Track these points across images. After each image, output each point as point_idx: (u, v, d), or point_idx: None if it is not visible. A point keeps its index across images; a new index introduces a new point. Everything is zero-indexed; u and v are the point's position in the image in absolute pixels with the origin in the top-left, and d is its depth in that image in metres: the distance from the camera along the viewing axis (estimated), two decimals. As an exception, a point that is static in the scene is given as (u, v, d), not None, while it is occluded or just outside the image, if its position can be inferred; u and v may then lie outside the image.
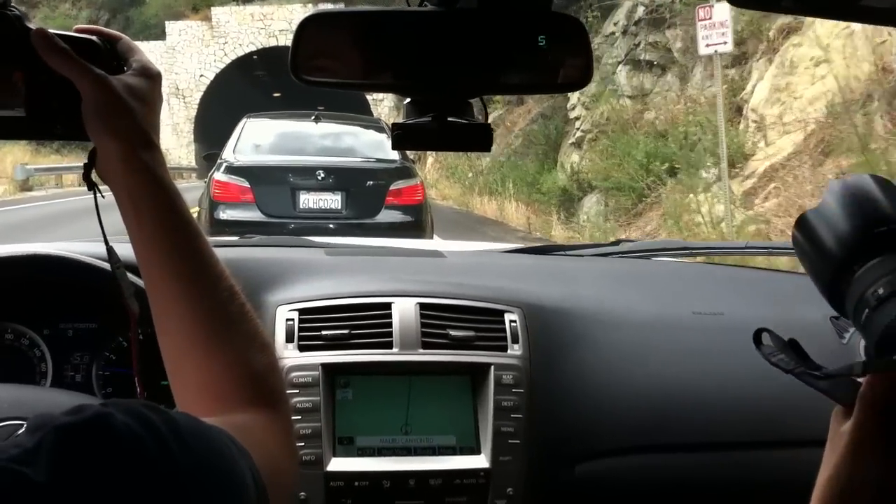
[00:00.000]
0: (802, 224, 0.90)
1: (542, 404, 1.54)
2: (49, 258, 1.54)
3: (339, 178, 8.21)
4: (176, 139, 37.88)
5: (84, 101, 0.90)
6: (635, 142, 13.37)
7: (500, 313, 1.60)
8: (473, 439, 1.50)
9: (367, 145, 8.94)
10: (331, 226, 8.00)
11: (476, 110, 1.07)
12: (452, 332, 1.55)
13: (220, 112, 39.48)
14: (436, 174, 25.54)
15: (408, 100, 1.07)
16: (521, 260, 2.09)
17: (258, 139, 8.82)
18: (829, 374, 0.82)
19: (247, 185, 8.05)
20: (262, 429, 0.84)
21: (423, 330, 1.54)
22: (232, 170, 8.18)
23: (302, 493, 1.42)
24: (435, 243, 3.37)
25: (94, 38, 0.95)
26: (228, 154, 8.52)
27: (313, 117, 9.15)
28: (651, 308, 1.76)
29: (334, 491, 1.43)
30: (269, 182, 8.20)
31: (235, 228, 7.71)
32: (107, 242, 1.01)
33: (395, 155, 8.38)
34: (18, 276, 1.56)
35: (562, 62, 1.05)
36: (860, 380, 0.82)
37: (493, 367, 1.52)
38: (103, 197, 0.97)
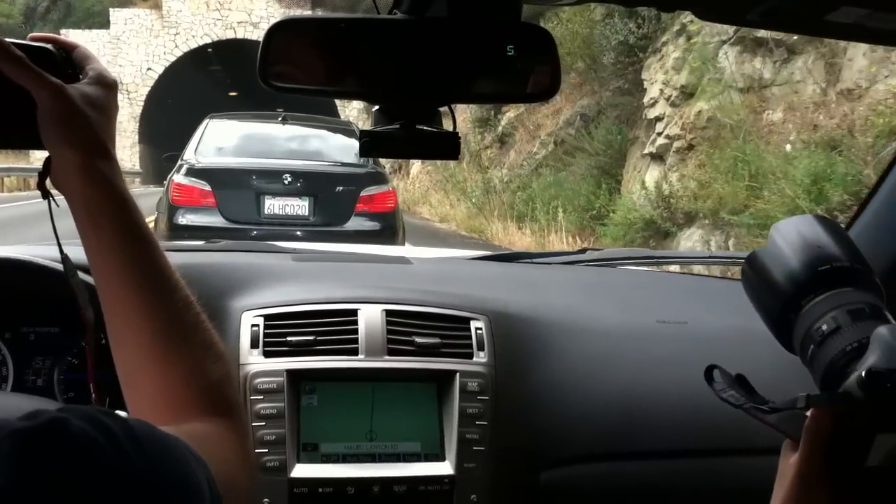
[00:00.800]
0: (753, 261, 0.94)
1: (507, 411, 1.54)
2: (10, 262, 1.52)
3: (307, 183, 7.79)
4: (118, 139, 35.80)
5: (40, 110, 0.89)
6: (783, 155, 8.84)
7: (466, 320, 1.61)
8: (438, 446, 1.50)
9: (337, 149, 8.48)
10: (298, 233, 7.56)
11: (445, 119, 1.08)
12: (418, 339, 1.55)
13: (169, 110, 37.25)
14: (426, 183, 22.28)
15: (377, 107, 1.08)
16: (487, 267, 2.09)
17: (221, 141, 8.30)
18: (776, 409, 0.85)
19: (208, 188, 7.62)
20: (218, 438, 0.84)
21: (389, 337, 1.54)
22: (193, 172, 7.74)
23: (266, 500, 1.42)
24: (402, 249, 3.37)
25: (49, 46, 0.94)
26: (189, 155, 8.04)
27: (280, 119, 8.74)
28: (617, 316, 1.77)
29: (298, 497, 1.42)
30: (233, 186, 7.78)
31: (196, 234, 7.22)
32: (61, 250, 1.00)
33: (365, 159, 8.00)
34: None
35: (530, 71, 1.06)
36: (807, 413, 0.83)
37: (458, 375, 1.52)
38: (58, 206, 0.96)
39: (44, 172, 0.92)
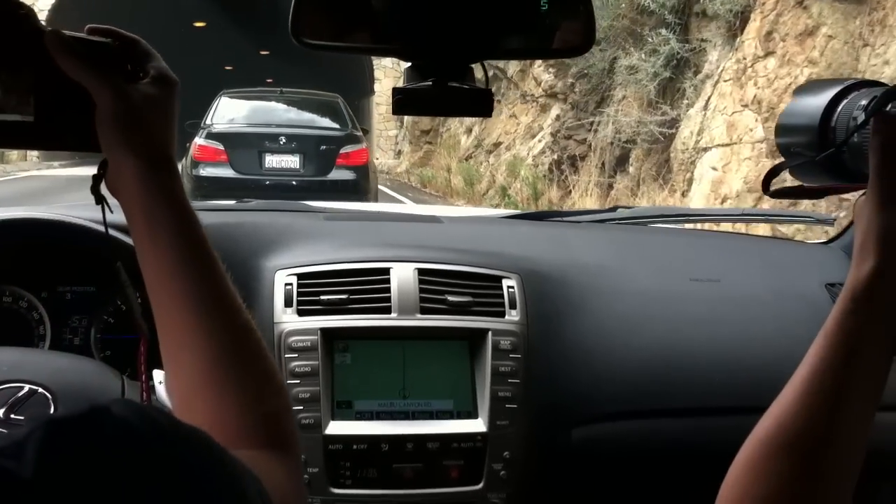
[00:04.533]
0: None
1: (539, 370, 1.55)
2: (48, 222, 1.54)
3: (298, 143, 10.21)
4: None
5: (98, 110, 0.84)
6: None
7: (498, 279, 1.61)
8: (471, 404, 1.51)
9: (322, 116, 11.05)
10: (293, 182, 10.06)
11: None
12: (450, 298, 1.55)
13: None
14: (416, 154, 20.82)
15: (408, 64, 1.07)
16: (518, 226, 2.09)
17: (231, 112, 10.79)
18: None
19: (222, 147, 9.98)
20: (272, 465, 0.78)
21: (422, 295, 1.55)
22: (210, 136, 10.10)
23: (301, 457, 1.43)
24: (433, 209, 3.37)
25: (108, 40, 0.88)
26: (207, 123, 10.45)
27: (279, 91, 11.51)
28: (648, 275, 1.76)
29: (333, 454, 1.44)
30: (241, 146, 10.11)
31: (212, 183, 9.74)
32: (116, 261, 0.96)
33: (344, 124, 10.69)
34: (17, 239, 1.56)
35: (564, 27, 1.04)
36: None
37: (490, 333, 1.52)
38: (111, 212, 0.91)
39: (98, 176, 0.88)
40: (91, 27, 0.89)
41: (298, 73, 26.25)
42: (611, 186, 11.21)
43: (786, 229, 5.50)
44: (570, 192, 11.94)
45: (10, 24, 0.82)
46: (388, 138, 25.24)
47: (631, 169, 10.85)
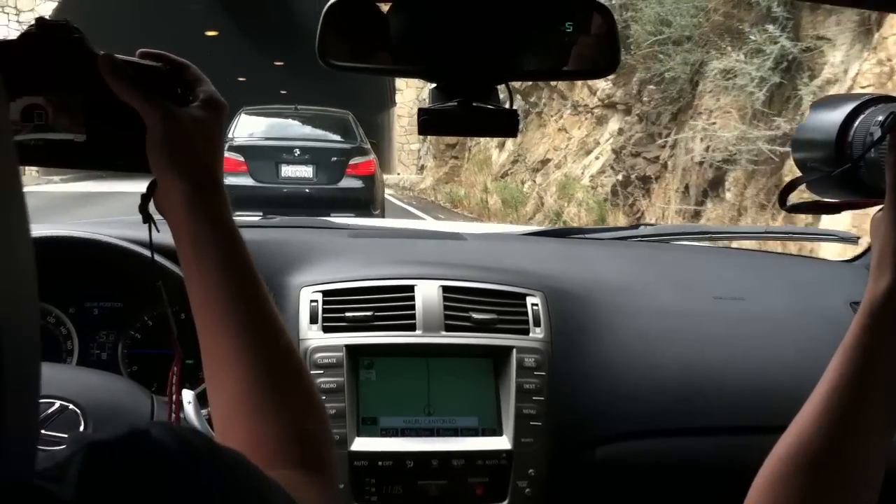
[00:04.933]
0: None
1: (563, 387, 1.55)
2: (75, 239, 1.56)
3: (311, 155, 11.18)
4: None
5: (149, 133, 0.86)
6: None
7: (523, 297, 1.61)
8: (495, 421, 1.51)
9: (333, 130, 12.11)
10: (307, 190, 10.98)
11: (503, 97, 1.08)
12: (475, 315, 1.56)
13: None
14: (441, 169, 20.17)
15: (433, 85, 1.08)
16: (541, 243, 2.10)
17: (251, 127, 11.75)
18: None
19: (242, 159, 10.86)
20: (306, 485, 0.79)
21: (446, 313, 1.56)
22: (231, 148, 10.90)
23: None
24: (456, 225, 3.39)
25: (159, 64, 0.91)
26: (228, 137, 11.18)
27: (294, 108, 12.65)
28: (671, 293, 1.76)
29: (358, 470, 1.45)
30: (259, 157, 11.05)
31: (233, 191, 9.77)
32: (158, 281, 0.98)
33: (353, 138, 11.69)
34: (44, 255, 1.58)
35: (589, 48, 1.05)
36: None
37: (514, 350, 1.53)
38: (158, 231, 0.93)
39: (147, 196, 0.90)
40: (143, 51, 0.91)
41: (314, 85, 25.88)
42: (697, 214, 9.14)
43: (809, 247, 5.45)
44: (641, 217, 10.32)
45: (64, 47, 0.85)
46: (410, 152, 24.63)
47: (728, 194, 8.69)
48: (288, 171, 11.17)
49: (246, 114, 12.12)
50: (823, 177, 0.92)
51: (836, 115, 0.92)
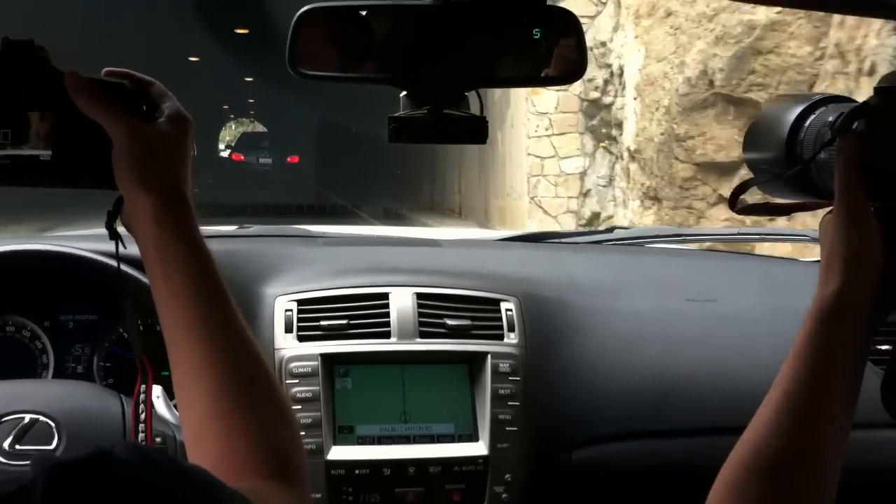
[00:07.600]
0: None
1: (538, 392, 1.55)
2: (48, 253, 1.55)
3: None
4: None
5: (116, 149, 0.86)
6: None
7: (497, 302, 1.62)
8: (471, 427, 1.52)
9: None
10: None
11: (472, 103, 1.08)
12: (449, 322, 1.57)
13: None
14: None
15: (403, 93, 1.09)
16: (516, 249, 2.10)
17: None
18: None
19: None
20: (278, 496, 0.79)
21: (421, 319, 1.56)
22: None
23: None
24: (431, 232, 3.39)
25: (124, 81, 0.91)
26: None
27: None
28: (646, 296, 1.77)
29: (335, 479, 1.45)
30: None
31: None
32: (126, 298, 0.98)
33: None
34: (18, 269, 1.58)
35: (557, 55, 1.06)
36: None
37: (489, 356, 1.53)
38: (125, 248, 0.93)
39: (114, 213, 0.90)
40: (108, 70, 0.92)
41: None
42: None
43: (782, 248, 5.49)
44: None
45: (30, 65, 0.85)
46: (560, 177, 24.07)
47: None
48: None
49: None
50: (775, 178, 0.92)
51: (787, 116, 0.92)
